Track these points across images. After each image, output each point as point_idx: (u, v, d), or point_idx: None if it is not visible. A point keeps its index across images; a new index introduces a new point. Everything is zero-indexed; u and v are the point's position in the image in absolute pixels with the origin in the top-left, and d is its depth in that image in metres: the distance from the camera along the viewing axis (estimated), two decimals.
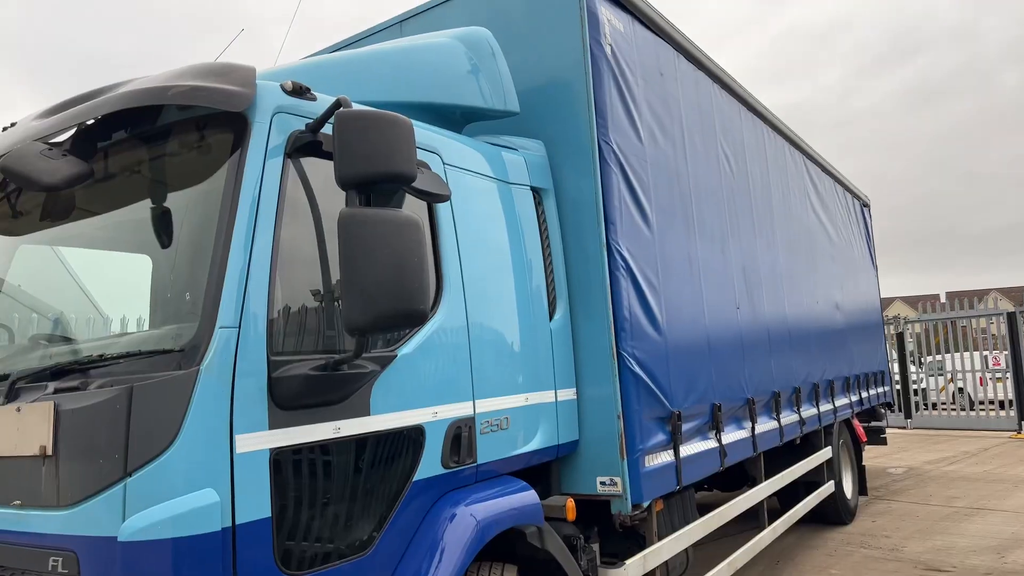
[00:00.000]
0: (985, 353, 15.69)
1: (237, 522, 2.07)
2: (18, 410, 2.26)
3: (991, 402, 15.61)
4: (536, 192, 3.72)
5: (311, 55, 4.98)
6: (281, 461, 2.22)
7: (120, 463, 2.01)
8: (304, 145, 2.47)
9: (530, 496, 3.12)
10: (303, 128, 2.49)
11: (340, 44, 4.90)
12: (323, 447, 2.36)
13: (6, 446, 2.28)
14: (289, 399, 2.24)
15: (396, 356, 2.65)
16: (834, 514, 7.49)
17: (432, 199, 2.81)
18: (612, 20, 4.10)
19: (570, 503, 3.35)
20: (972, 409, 15.48)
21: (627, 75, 4.15)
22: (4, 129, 2.79)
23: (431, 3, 4.46)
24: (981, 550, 6.42)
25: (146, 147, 2.54)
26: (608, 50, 3.98)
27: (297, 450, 2.27)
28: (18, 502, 2.23)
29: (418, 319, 2.21)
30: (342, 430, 2.42)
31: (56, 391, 2.24)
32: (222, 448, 2.08)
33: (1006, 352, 14.91)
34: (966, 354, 15.79)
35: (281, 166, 2.40)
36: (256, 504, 2.14)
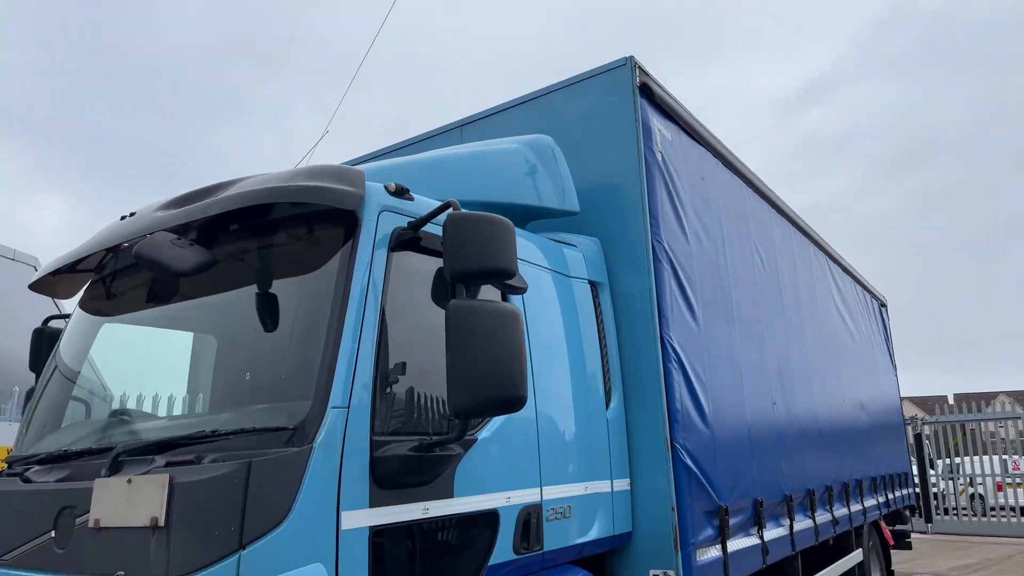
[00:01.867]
0: (1005, 457, 15.50)
1: None
2: (128, 482, 2.37)
3: (1008, 508, 15.34)
4: (593, 286, 3.92)
5: (373, 154, 5.31)
6: (378, 539, 2.31)
7: (235, 536, 2.10)
8: (406, 241, 2.68)
9: None
10: (404, 225, 2.71)
11: (399, 145, 5.23)
12: (414, 527, 2.45)
13: (112, 517, 2.37)
14: (388, 478, 2.35)
15: (476, 440, 2.76)
16: None
17: (513, 291, 2.99)
18: (662, 130, 4.42)
19: None
20: (985, 515, 15.21)
21: (675, 180, 4.43)
22: (123, 218, 3.03)
23: (492, 110, 4.80)
24: None
25: (262, 238, 2.76)
26: (659, 157, 4.27)
27: (392, 529, 2.37)
28: (121, 573, 2.30)
29: (519, 404, 2.35)
30: (430, 511, 2.52)
31: (168, 464, 2.35)
32: (330, 524, 2.18)
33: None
34: (985, 458, 15.63)
35: (385, 259, 2.60)
36: None
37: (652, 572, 3.64)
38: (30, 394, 3.66)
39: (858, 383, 8.28)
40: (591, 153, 4.31)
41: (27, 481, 2.83)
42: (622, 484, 3.70)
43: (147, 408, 3.44)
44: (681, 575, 3.57)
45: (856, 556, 6.93)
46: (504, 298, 3.16)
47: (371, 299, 2.50)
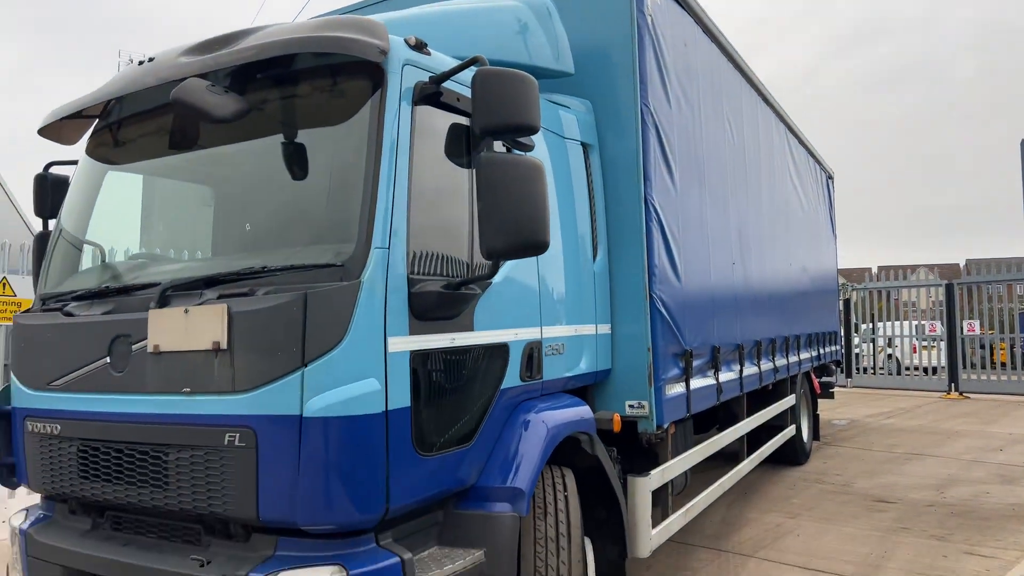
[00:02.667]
0: (923, 323, 17.00)
1: (389, 408, 2.50)
2: (185, 311, 2.61)
3: (917, 368, 17.09)
4: (585, 147, 4.14)
5: (347, 9, 5.19)
6: (417, 362, 2.64)
7: (297, 355, 2.39)
8: (428, 96, 2.83)
9: (585, 409, 3.63)
10: (425, 80, 2.85)
11: None
12: (444, 353, 2.80)
13: (172, 343, 2.63)
14: (423, 311, 2.66)
15: (491, 283, 3.07)
16: (792, 455, 8.31)
17: (522, 148, 3.20)
18: None
19: (616, 416, 3.88)
20: (899, 373, 16.92)
21: (662, 44, 4.57)
22: (140, 63, 3.05)
23: None
24: (922, 487, 7.30)
25: (289, 87, 2.85)
26: (649, 20, 4.38)
27: (428, 354, 2.70)
28: (187, 389, 2.59)
29: (543, 248, 2.63)
30: (456, 341, 2.86)
31: (221, 296, 2.59)
32: (379, 347, 2.50)
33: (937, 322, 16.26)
34: (899, 323, 17.19)
35: (410, 113, 2.76)
36: (400, 395, 2.57)
37: (628, 403, 4.14)
38: (40, 238, 3.76)
39: (804, 249, 8.89)
40: (583, 13, 4.37)
41: (69, 315, 3.04)
42: (604, 328, 4.12)
43: (165, 252, 3.61)
44: (653, 405, 4.07)
45: (790, 400, 7.79)
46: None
47: (401, 150, 2.68)
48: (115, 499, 2.79)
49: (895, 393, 15.74)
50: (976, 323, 15.63)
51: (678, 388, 4.53)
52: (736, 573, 4.97)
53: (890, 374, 17.02)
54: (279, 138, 2.90)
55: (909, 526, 5.99)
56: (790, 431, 7.87)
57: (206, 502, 2.53)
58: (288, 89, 2.87)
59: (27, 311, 3.42)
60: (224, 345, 2.50)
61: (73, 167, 3.77)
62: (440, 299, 2.71)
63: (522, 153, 2.66)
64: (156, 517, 2.81)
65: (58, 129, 3.46)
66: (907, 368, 17.39)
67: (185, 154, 3.21)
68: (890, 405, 13.77)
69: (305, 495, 2.36)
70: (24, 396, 3.16)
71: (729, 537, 5.77)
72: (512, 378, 3.21)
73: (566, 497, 3.26)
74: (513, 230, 2.52)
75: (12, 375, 3.27)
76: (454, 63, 2.95)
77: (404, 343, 2.60)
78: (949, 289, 15.72)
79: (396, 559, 2.49)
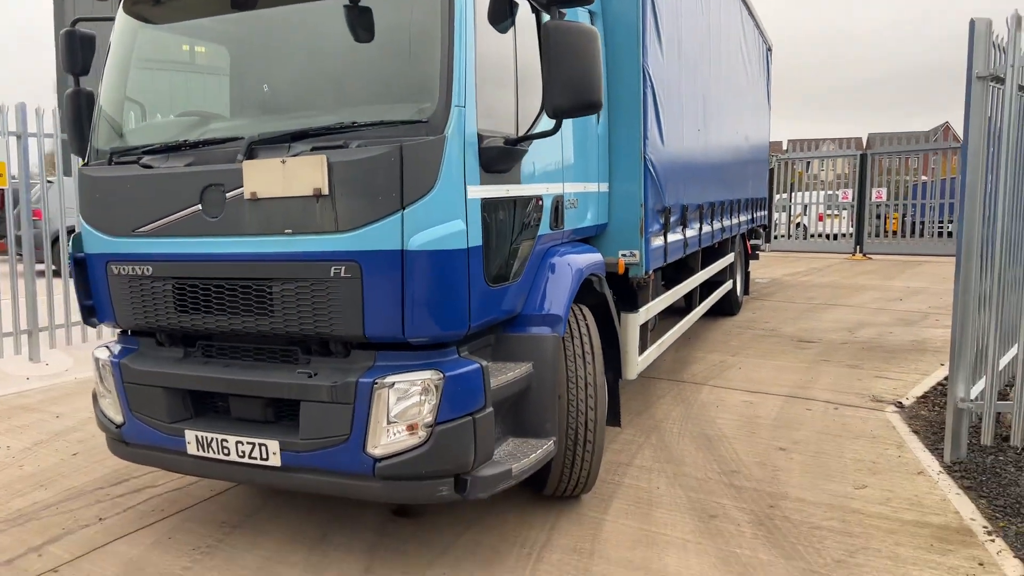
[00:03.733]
0: (836, 192, 18.41)
1: (469, 245, 2.98)
2: (283, 162, 2.93)
3: (824, 235, 18.70)
4: (591, 15, 4.45)
5: None
6: (486, 207, 3.10)
7: (397, 199, 2.80)
8: None
9: (599, 255, 4.21)
10: None
11: None
12: (503, 201, 3.26)
13: (270, 190, 2.96)
14: (490, 163, 3.09)
15: (531, 143, 3.49)
16: (728, 307, 9.35)
17: (551, 13, 3.51)
18: None
19: (620, 261, 4.49)
20: (807, 238, 18.51)
21: None
22: None
23: None
24: (837, 330, 8.48)
25: None
26: None
27: (491, 201, 3.15)
28: (288, 231, 2.97)
29: (599, 107, 3.04)
30: (510, 192, 3.32)
31: (315, 149, 2.92)
32: (460, 193, 2.93)
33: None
34: (813, 193, 18.57)
35: None
36: (476, 235, 3.04)
37: (621, 252, 4.74)
38: (74, 95, 3.86)
39: (747, 120, 9.52)
40: None
41: (148, 167, 3.28)
42: (604, 187, 4.64)
43: (221, 110, 3.78)
44: (643, 254, 4.70)
45: (730, 258, 8.69)
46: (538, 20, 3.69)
47: (468, 17, 2.99)
48: (216, 328, 3.20)
49: (807, 255, 17.27)
50: (883, 191, 17.11)
51: (659, 241, 5.17)
52: (695, 396, 5.90)
53: (803, 239, 18.56)
54: (347, 1, 3.12)
55: (829, 358, 7.10)
56: (728, 285, 8.83)
57: (312, 325, 2.98)
58: None
59: (87, 164, 3.61)
60: (325, 191, 2.87)
61: (100, 23, 3.83)
62: (501, 154, 3.14)
63: (580, 22, 3.01)
64: (252, 343, 3.24)
65: None
66: (813, 235, 18.99)
67: (253, 13, 3.36)
68: (804, 266, 15.21)
69: (409, 314, 2.85)
70: (102, 243, 3.43)
71: (683, 372, 6.71)
72: (545, 227, 3.72)
73: (587, 324, 3.89)
74: (576, 90, 2.93)
75: (84, 224, 3.51)
76: None
77: (477, 191, 3.04)
78: (863, 159, 16.99)
79: (477, 365, 3.06)
